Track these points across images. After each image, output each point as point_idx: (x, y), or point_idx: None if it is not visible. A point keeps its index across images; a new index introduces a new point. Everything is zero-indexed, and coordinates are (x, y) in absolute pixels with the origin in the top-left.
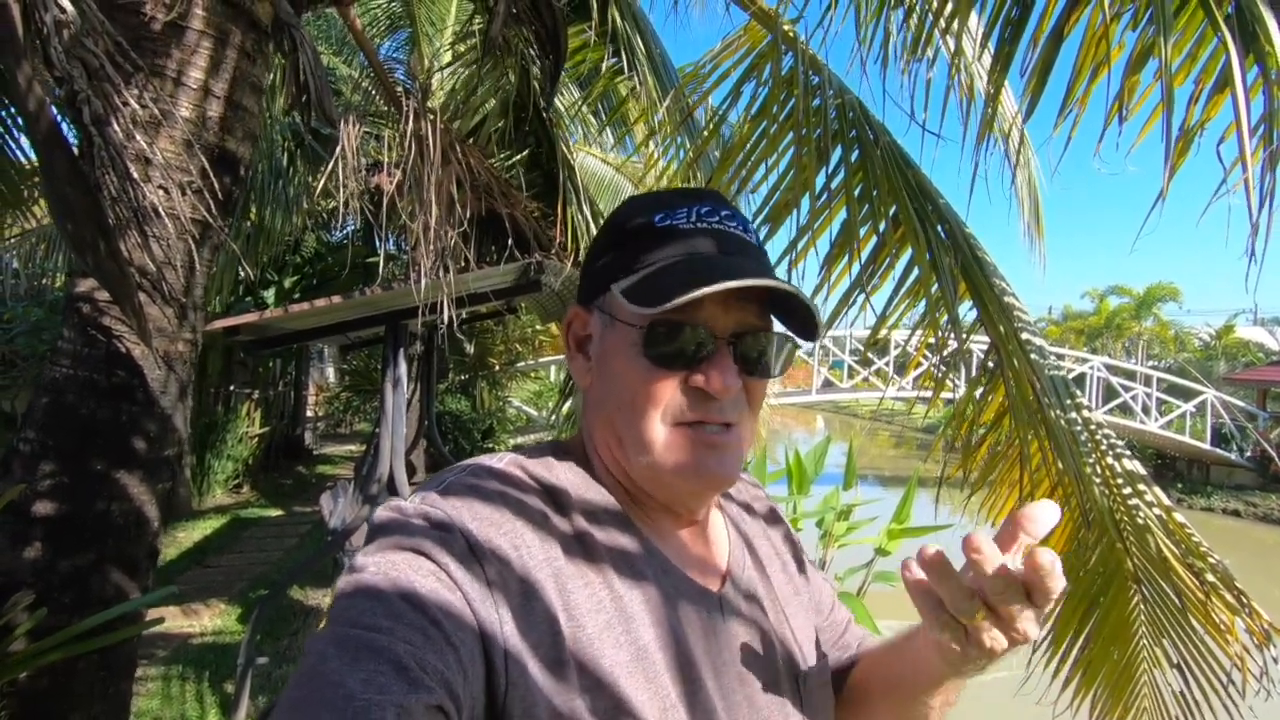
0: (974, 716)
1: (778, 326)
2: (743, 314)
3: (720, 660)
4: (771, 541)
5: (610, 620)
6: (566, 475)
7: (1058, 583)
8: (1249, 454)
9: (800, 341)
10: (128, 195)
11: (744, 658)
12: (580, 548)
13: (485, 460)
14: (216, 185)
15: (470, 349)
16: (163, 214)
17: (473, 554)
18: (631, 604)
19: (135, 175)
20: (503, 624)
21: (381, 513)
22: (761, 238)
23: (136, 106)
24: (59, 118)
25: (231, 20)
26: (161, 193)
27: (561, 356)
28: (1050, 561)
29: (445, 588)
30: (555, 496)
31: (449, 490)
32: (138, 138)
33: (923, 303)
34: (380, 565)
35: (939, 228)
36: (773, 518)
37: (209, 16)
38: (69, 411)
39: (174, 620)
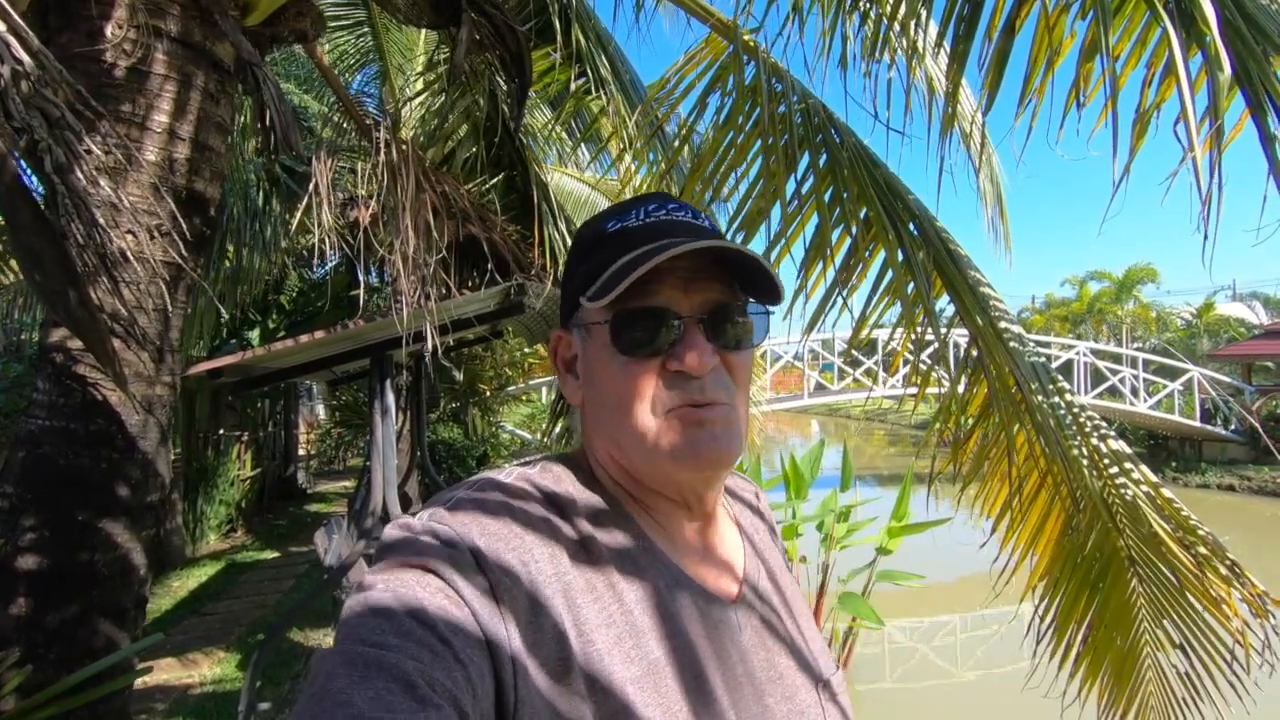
0: (983, 712)
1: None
2: (706, 292)
3: (737, 672)
4: (771, 544)
5: (620, 635)
6: (573, 487)
7: None
8: (1233, 426)
9: (771, 309)
10: (95, 241)
11: (768, 667)
12: (589, 560)
13: (492, 475)
14: (186, 227)
15: (459, 376)
16: (132, 259)
17: (481, 570)
18: (642, 617)
19: (101, 221)
20: (511, 641)
21: (390, 530)
22: (721, 231)
23: (99, 153)
24: (22, 168)
25: (193, 62)
26: (130, 237)
27: (552, 378)
28: None
29: (453, 605)
30: (563, 509)
31: (457, 507)
32: (102, 184)
33: (900, 301)
34: (388, 583)
35: (910, 225)
36: (763, 513)
37: (170, 60)
38: (47, 463)
39: (172, 671)
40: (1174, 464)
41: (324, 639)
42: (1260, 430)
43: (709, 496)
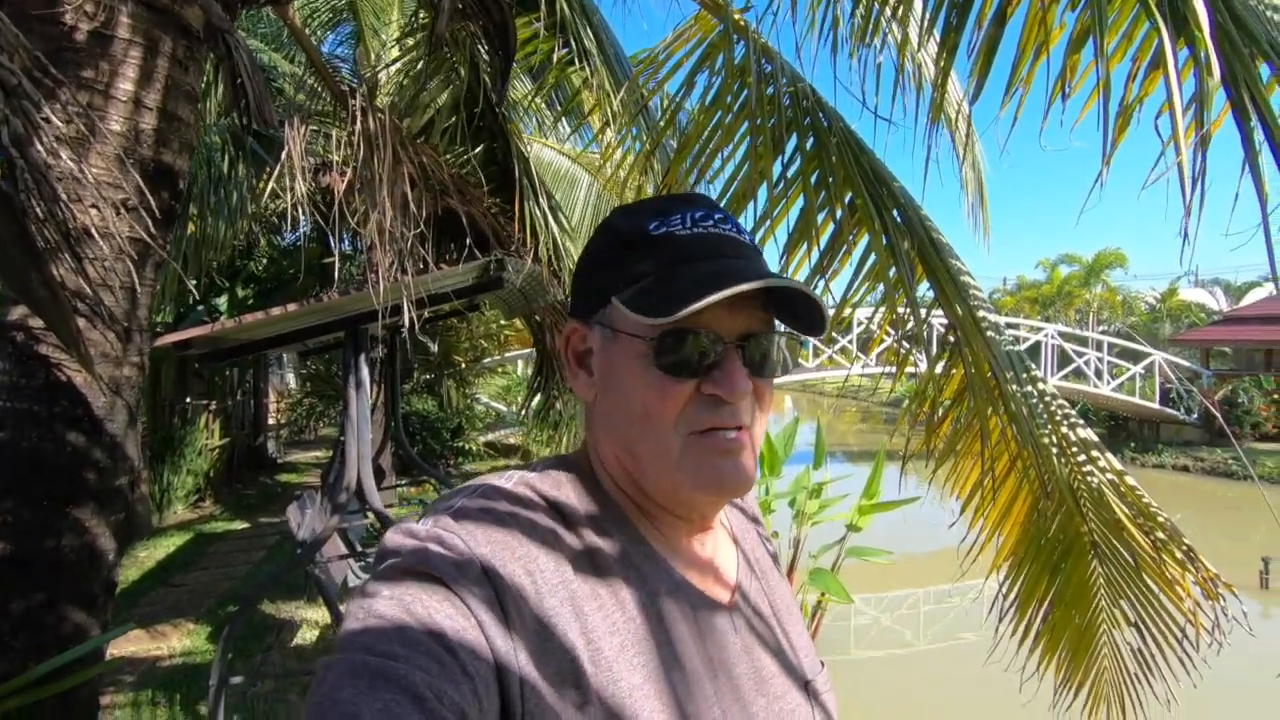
0: (946, 683)
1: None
2: (748, 317)
3: (735, 674)
4: (760, 545)
5: (625, 642)
6: (574, 493)
7: None
8: (1195, 415)
9: (803, 337)
10: (56, 217)
11: (758, 670)
12: (592, 567)
13: (494, 480)
14: (154, 201)
15: (434, 347)
16: (96, 235)
17: (487, 579)
18: (646, 623)
19: (64, 196)
20: (518, 651)
21: (393, 536)
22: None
23: (59, 124)
24: None
25: (160, 27)
26: (94, 212)
27: (529, 350)
28: None
29: (460, 615)
30: (566, 516)
31: (460, 514)
32: (64, 156)
33: (882, 284)
34: (394, 591)
35: (895, 212)
36: (756, 519)
37: (135, 24)
38: (9, 447)
39: (140, 643)
40: (1133, 444)
41: (295, 612)
42: (1218, 415)
43: (711, 514)
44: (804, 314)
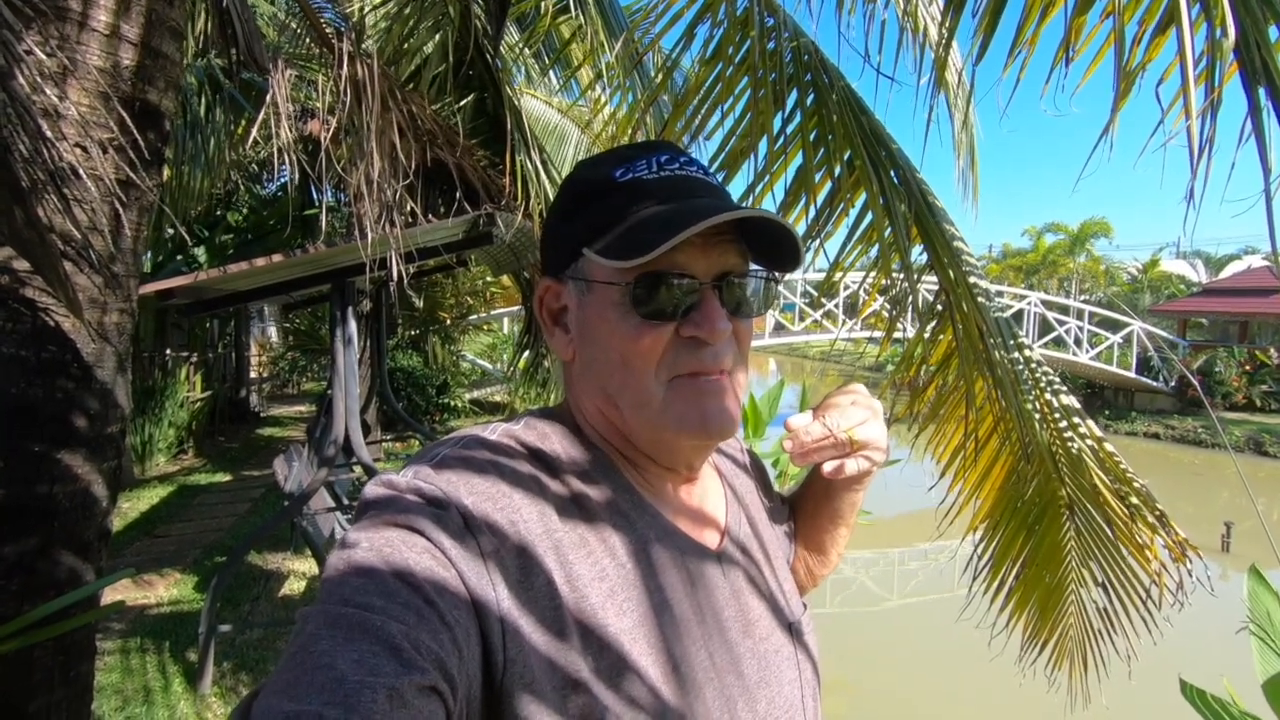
0: (915, 637)
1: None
2: (723, 256)
3: (723, 617)
4: (753, 491)
5: (613, 587)
6: (560, 443)
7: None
8: (1173, 384)
9: (778, 276)
10: (41, 155)
11: (745, 613)
12: (579, 515)
13: (477, 431)
14: (141, 141)
15: (419, 303)
16: (83, 174)
17: (468, 529)
18: (634, 569)
19: (49, 134)
20: (500, 601)
21: (372, 488)
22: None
23: (42, 55)
24: None
25: None
26: (79, 151)
27: (515, 308)
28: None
29: (440, 565)
30: (550, 465)
31: (442, 464)
32: (47, 90)
33: (875, 247)
34: (373, 542)
35: (892, 173)
36: (748, 463)
37: None
38: None
39: (128, 592)
40: (1107, 412)
41: (282, 562)
42: (1197, 384)
43: (698, 463)
44: (779, 248)
